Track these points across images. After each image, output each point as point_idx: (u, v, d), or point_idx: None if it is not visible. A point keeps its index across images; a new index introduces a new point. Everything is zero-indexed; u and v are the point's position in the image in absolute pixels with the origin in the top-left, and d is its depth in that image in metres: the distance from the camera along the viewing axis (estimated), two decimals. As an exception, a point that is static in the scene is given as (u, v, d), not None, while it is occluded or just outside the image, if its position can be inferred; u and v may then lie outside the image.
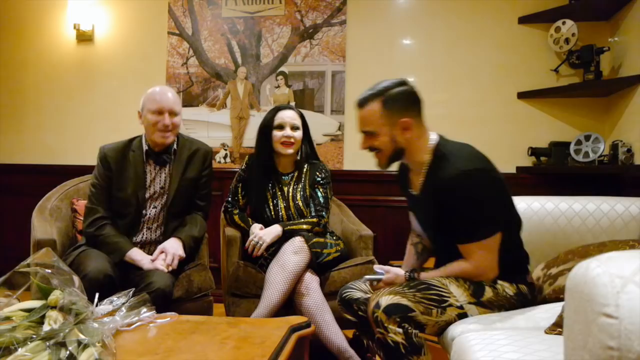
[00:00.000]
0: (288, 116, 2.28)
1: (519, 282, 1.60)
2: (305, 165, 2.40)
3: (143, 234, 2.16)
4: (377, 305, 1.46)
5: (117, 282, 1.92)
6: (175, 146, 2.20)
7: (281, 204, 2.32)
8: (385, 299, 1.46)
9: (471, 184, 1.49)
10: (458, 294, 1.53)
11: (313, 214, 2.31)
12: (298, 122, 2.29)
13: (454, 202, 1.51)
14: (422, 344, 1.47)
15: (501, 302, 1.56)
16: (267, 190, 2.34)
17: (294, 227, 2.24)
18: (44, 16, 3.60)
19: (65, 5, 3.55)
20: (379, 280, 1.71)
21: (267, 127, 2.31)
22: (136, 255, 2.02)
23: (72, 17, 3.51)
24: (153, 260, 2.00)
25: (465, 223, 1.53)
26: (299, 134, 2.29)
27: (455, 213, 1.52)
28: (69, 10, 3.53)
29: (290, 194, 2.34)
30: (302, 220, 2.27)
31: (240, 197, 2.40)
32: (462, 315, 1.53)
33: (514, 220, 1.66)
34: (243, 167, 2.41)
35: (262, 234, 2.19)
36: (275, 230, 2.21)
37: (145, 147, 2.18)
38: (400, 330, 1.43)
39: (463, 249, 1.56)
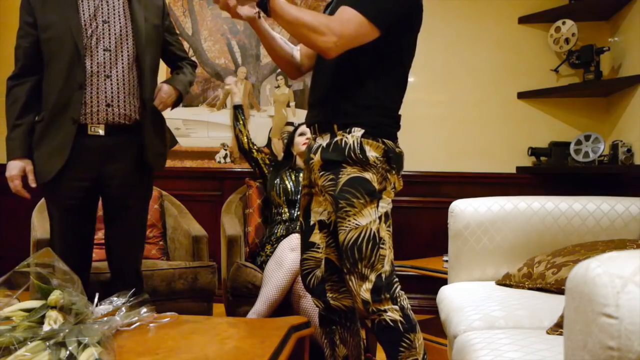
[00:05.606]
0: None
1: (385, 137, 1.42)
2: None
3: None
4: (365, 303, 1.41)
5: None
6: None
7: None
8: (363, 293, 1.40)
9: None
10: (368, 217, 1.39)
11: None
12: None
13: None
14: (415, 321, 1.44)
15: (382, 174, 1.41)
16: (286, 171, 2.53)
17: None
18: (44, 16, 3.59)
19: (65, 5, 3.54)
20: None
21: (291, 139, 2.65)
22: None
23: (72, 17, 3.51)
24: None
25: None
26: None
27: None
28: (69, 10, 3.53)
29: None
30: None
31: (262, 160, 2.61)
32: (385, 215, 1.42)
33: (404, 64, 1.48)
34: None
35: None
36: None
37: None
38: (397, 307, 1.40)
39: (339, 12, 1.36)
